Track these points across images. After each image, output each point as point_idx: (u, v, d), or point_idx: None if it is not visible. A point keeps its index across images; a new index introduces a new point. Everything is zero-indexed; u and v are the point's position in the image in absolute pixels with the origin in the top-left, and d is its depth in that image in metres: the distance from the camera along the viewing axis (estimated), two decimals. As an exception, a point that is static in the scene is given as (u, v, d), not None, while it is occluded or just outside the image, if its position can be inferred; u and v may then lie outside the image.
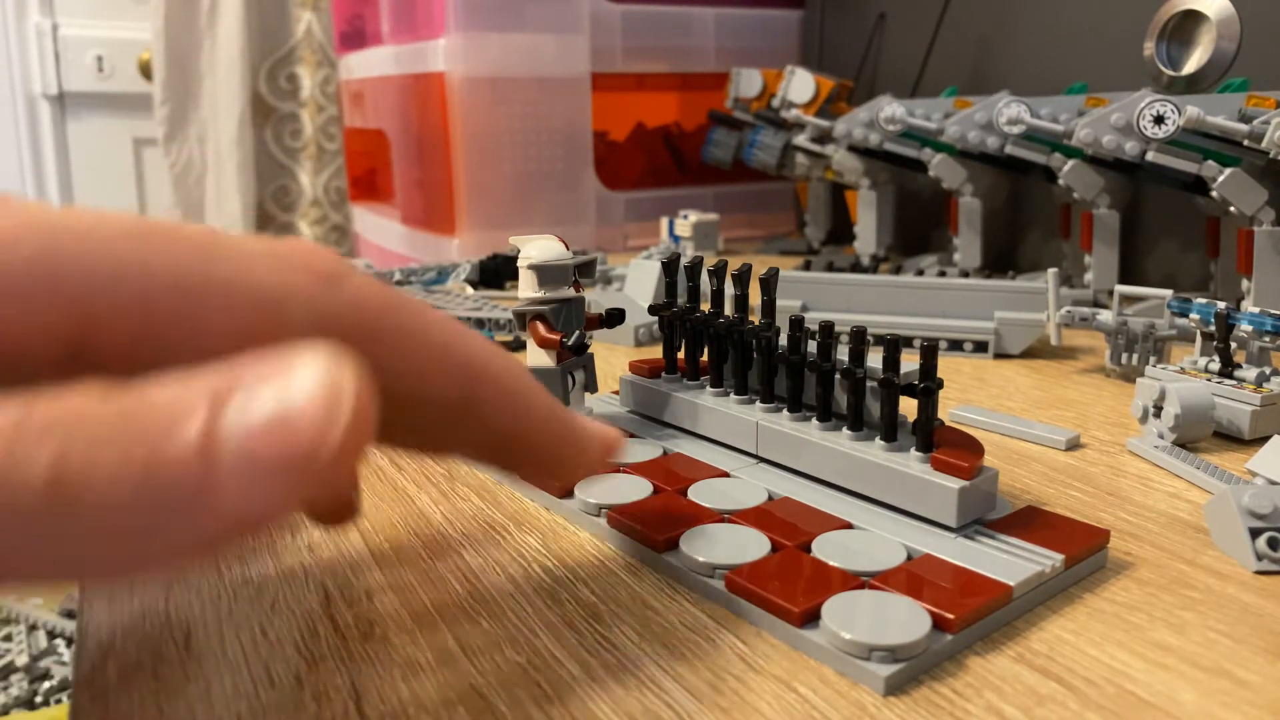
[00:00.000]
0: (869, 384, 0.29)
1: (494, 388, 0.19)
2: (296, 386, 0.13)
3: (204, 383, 0.13)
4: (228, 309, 0.15)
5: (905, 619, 0.22)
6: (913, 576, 0.24)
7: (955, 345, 0.50)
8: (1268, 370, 0.38)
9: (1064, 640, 0.23)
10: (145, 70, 1.52)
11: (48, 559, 0.13)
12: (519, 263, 0.34)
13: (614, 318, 0.36)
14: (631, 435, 0.35)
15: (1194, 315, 0.40)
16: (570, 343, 0.33)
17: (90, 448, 0.12)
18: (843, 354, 0.30)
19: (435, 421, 0.19)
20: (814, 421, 0.31)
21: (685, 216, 0.84)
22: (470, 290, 0.67)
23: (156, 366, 0.15)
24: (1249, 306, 0.43)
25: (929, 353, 0.27)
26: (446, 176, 0.86)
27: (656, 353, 0.37)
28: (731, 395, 0.34)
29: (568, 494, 0.30)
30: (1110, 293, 0.55)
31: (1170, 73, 0.54)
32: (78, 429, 0.12)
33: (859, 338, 0.29)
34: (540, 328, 0.34)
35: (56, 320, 0.14)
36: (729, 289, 0.34)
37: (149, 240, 0.15)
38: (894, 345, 0.28)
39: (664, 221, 0.87)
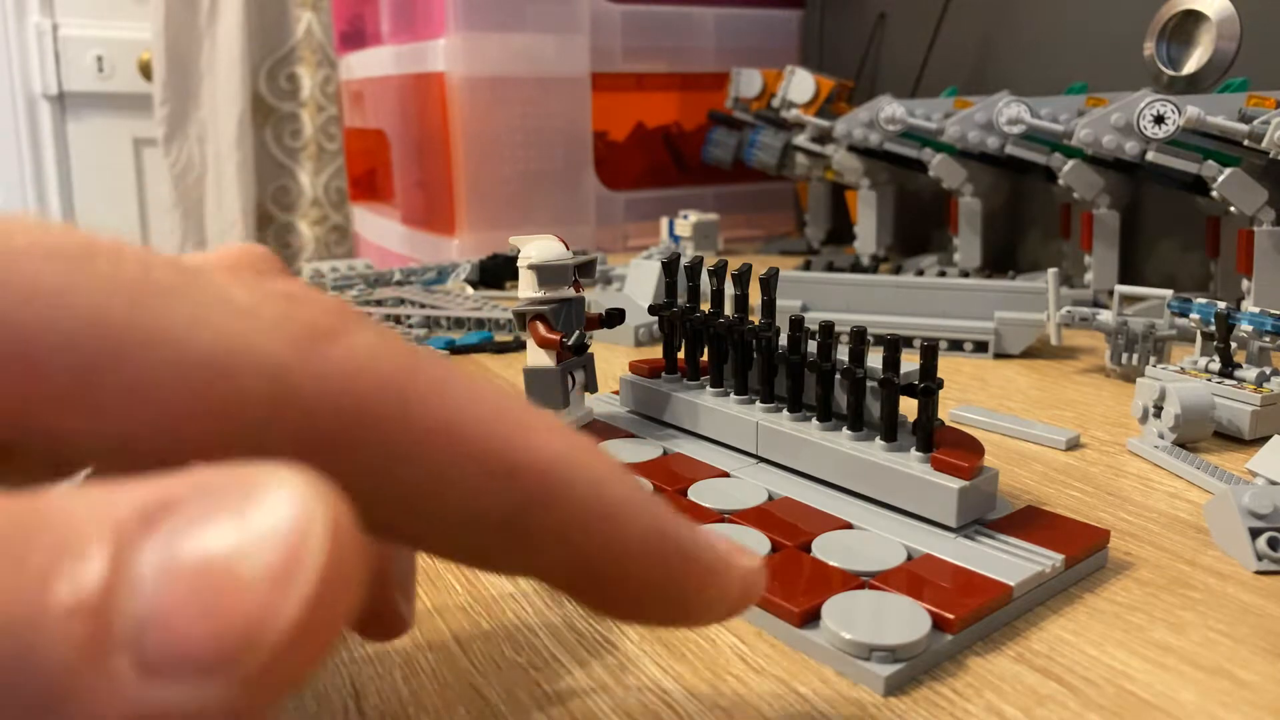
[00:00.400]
0: (869, 384, 0.29)
1: (561, 503, 0.13)
2: (249, 525, 0.09)
3: (115, 506, 0.09)
4: (159, 368, 0.11)
5: (905, 619, 0.22)
6: (913, 576, 0.24)
7: (955, 345, 0.50)
8: (1268, 370, 0.38)
9: (1064, 640, 0.23)
10: (145, 70, 1.52)
11: None
12: (519, 263, 0.34)
13: (614, 318, 0.36)
14: (631, 435, 0.35)
15: (1194, 315, 0.40)
16: (570, 343, 0.33)
17: None
18: (843, 354, 0.30)
19: (477, 541, 0.13)
20: (814, 421, 0.31)
21: (685, 216, 0.84)
22: (470, 290, 0.67)
23: (86, 437, 0.11)
24: (1249, 306, 0.43)
25: (929, 353, 0.27)
26: (446, 176, 0.86)
27: (656, 353, 0.37)
28: (731, 395, 0.34)
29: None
30: (1110, 293, 0.55)
31: (1170, 73, 0.54)
32: None
33: (859, 338, 0.29)
34: (540, 328, 0.34)
35: None
36: (729, 289, 0.34)
37: (82, 266, 0.11)
38: (894, 345, 0.28)
39: (664, 221, 0.87)
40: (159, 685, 0.08)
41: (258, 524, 0.09)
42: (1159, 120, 0.51)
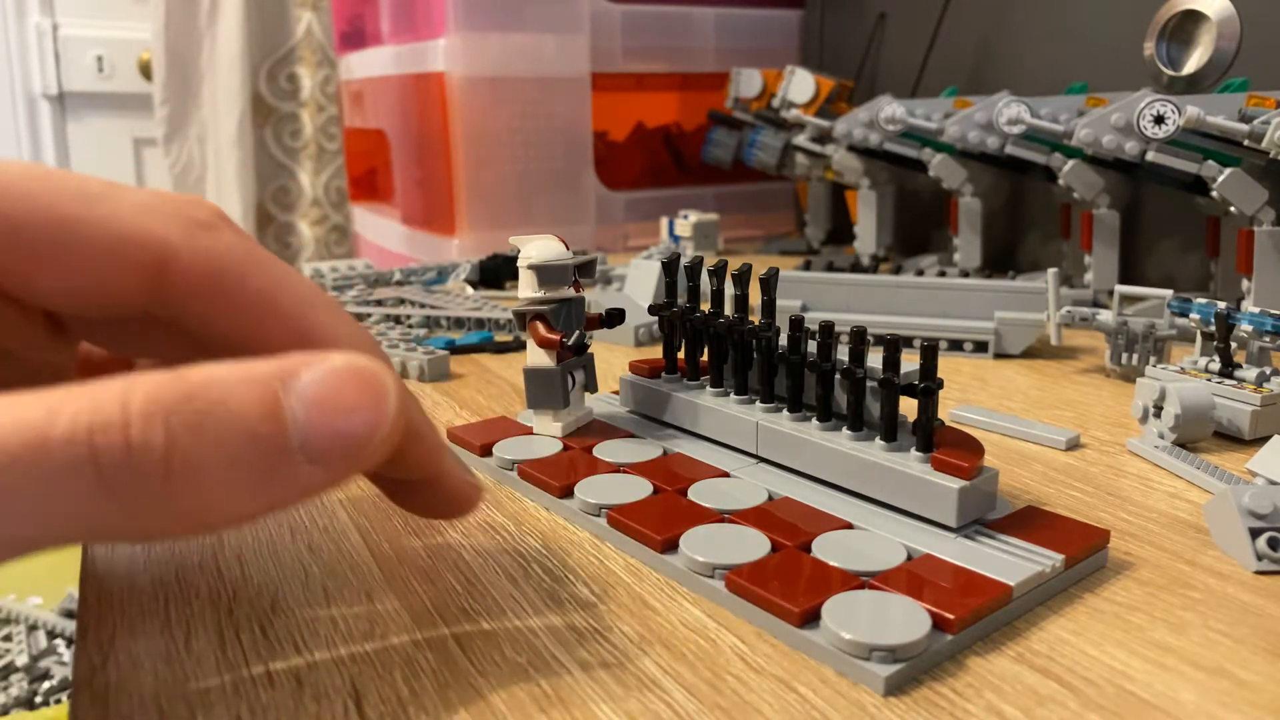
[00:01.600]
0: (869, 384, 0.29)
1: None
2: (347, 380, 0.17)
3: (264, 369, 0.17)
4: (95, 244, 0.19)
5: (905, 619, 0.22)
6: (913, 576, 0.24)
7: (955, 345, 0.50)
8: (1268, 370, 0.38)
9: (1064, 640, 0.23)
10: (145, 70, 1.52)
11: (161, 522, 0.16)
12: (519, 263, 0.34)
13: (614, 318, 0.36)
14: (631, 435, 0.35)
15: (1194, 315, 0.40)
16: (570, 343, 0.33)
17: (192, 432, 0.16)
18: (843, 354, 0.30)
19: None
20: (814, 421, 0.31)
21: (685, 216, 0.84)
22: (470, 290, 0.67)
23: (33, 287, 0.19)
24: (1249, 306, 0.43)
25: (929, 353, 0.27)
26: (446, 176, 0.86)
27: (656, 353, 0.37)
28: (731, 395, 0.34)
29: (568, 493, 0.30)
30: (1110, 293, 0.55)
31: (1170, 73, 0.54)
32: (177, 414, 0.15)
33: (859, 338, 0.29)
34: (540, 328, 0.34)
35: None
36: (729, 289, 0.34)
37: (40, 182, 0.19)
38: (894, 345, 0.28)
39: (664, 221, 0.87)
40: (316, 468, 0.17)
41: (352, 380, 0.17)
42: (1159, 120, 0.51)
